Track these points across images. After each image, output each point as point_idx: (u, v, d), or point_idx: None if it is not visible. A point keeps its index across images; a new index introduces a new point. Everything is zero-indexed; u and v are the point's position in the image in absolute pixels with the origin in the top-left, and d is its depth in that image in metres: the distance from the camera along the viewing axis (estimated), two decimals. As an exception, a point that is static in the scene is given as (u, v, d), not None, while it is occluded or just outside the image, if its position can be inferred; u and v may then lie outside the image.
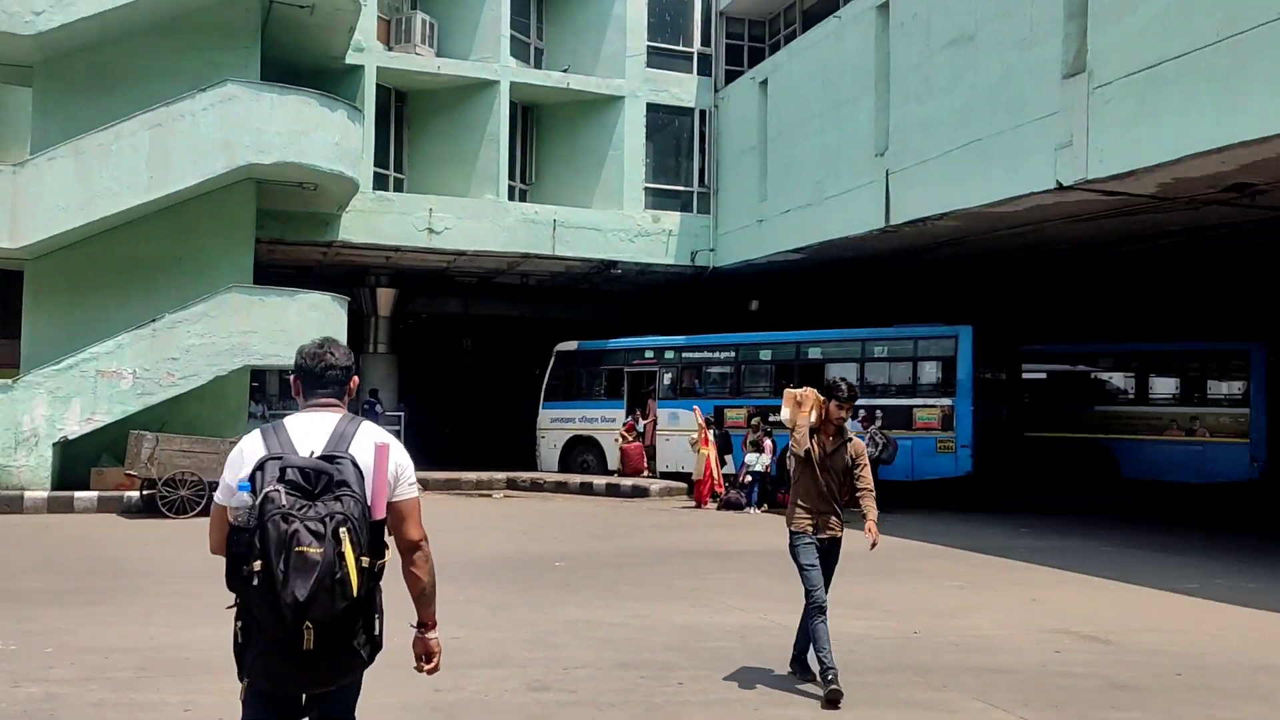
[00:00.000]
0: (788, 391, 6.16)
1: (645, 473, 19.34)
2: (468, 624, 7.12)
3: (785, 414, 6.04)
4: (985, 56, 13.66)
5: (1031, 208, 13.61)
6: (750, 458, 16.48)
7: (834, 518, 5.97)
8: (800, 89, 18.73)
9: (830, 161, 17.56)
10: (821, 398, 5.97)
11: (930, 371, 17.64)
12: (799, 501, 5.96)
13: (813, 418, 5.90)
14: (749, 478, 16.40)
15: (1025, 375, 19.86)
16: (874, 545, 5.92)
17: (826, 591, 5.88)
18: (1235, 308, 20.04)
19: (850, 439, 6.03)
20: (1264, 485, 18.02)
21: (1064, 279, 20.10)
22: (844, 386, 5.95)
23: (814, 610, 5.76)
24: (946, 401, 17.06)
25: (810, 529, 5.90)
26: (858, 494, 6.00)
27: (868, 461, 6.12)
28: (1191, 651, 6.99)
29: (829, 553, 5.99)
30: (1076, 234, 15.78)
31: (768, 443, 16.49)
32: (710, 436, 17.16)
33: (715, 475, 16.89)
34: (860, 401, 17.29)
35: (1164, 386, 19.71)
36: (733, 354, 19.73)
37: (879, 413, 17.03)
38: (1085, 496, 18.32)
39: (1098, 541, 12.79)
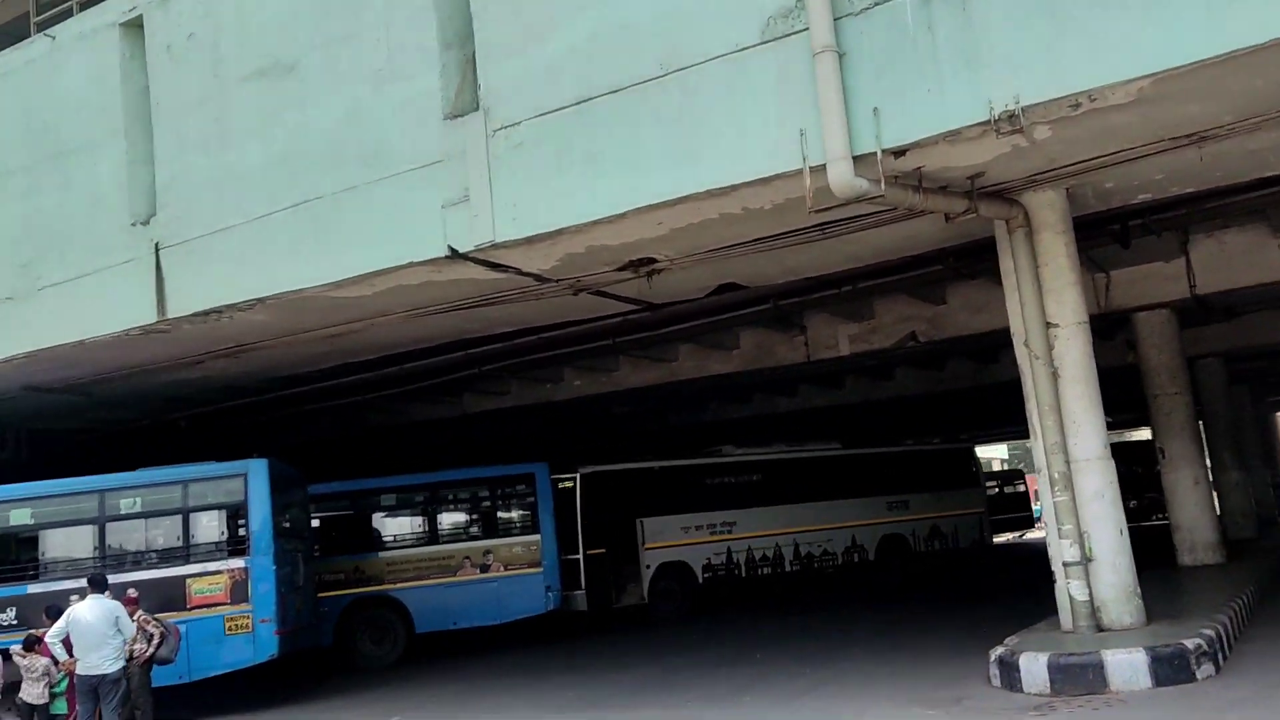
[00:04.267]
0: None
1: None
2: None
3: None
4: (318, 92, 10.33)
5: (389, 289, 10.51)
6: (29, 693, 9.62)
7: None
8: (-15, 134, 12.82)
9: (48, 235, 12.03)
10: None
11: (210, 526, 12.94)
12: None
13: None
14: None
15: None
16: None
17: None
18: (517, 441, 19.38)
19: None
20: (563, 614, 17.06)
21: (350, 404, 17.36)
22: None
23: None
24: (238, 563, 12.56)
25: None
26: None
27: None
28: None
29: None
30: (395, 338, 13.16)
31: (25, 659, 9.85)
32: None
33: None
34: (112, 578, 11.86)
35: (454, 520, 17.82)
36: None
37: (133, 591, 11.65)
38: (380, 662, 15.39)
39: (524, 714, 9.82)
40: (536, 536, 16.92)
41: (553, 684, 11.50)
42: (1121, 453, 29.36)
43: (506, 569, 16.76)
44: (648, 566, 18.35)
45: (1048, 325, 8.73)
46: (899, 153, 7.56)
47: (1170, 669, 7.45)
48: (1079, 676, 7.58)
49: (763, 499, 20.28)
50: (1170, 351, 15.04)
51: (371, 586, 16.31)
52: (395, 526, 17.63)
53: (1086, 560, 8.40)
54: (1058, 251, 8.75)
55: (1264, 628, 9.79)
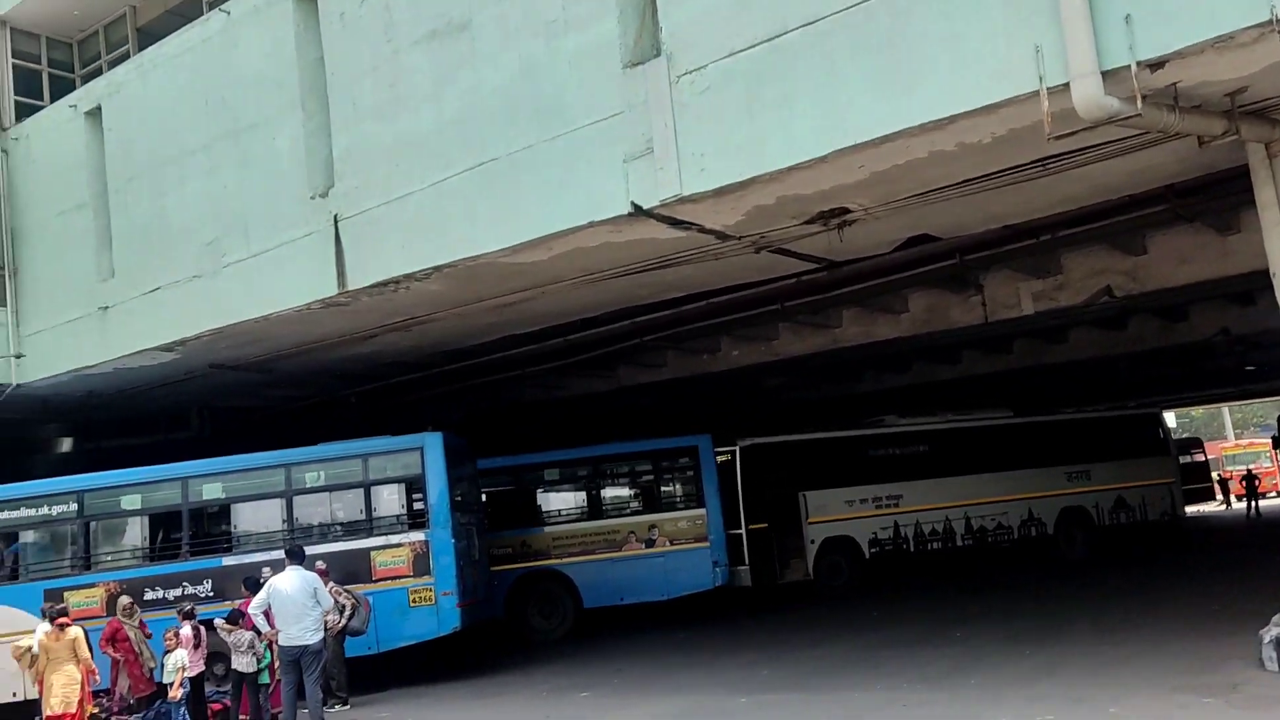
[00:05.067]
0: None
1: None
2: None
3: None
4: (490, 49, 10.02)
5: (565, 253, 10.14)
6: (175, 656, 9.79)
7: None
8: (165, 115, 13.06)
9: (232, 212, 12.20)
10: None
11: (391, 499, 12.98)
12: None
13: None
14: (181, 692, 9.69)
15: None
16: None
17: None
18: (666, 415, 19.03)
19: None
20: (726, 591, 16.58)
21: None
22: None
23: None
24: (418, 536, 12.54)
25: None
26: None
27: None
28: None
29: None
30: (564, 306, 12.85)
31: (186, 630, 10.05)
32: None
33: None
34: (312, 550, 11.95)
35: (618, 494, 17.57)
36: (74, 506, 12.70)
37: (322, 563, 11.65)
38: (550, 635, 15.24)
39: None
40: (701, 510, 16.47)
41: (739, 662, 11.02)
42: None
43: (672, 544, 16.37)
44: (812, 541, 17.69)
45: (1318, 262, 7.65)
46: (1155, 65, 6.65)
47: None
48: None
49: (931, 470, 19.31)
50: None
51: (539, 561, 16.21)
52: (560, 501, 17.47)
53: (1376, 528, 7.34)
54: (1330, 176, 7.66)
55: None
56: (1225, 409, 60.48)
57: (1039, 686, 7.78)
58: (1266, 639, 7.24)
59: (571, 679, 11.26)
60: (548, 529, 16.62)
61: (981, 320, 16.88)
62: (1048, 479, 20.41)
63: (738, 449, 17.29)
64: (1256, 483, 30.72)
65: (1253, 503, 29.55)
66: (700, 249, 10.36)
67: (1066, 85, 6.77)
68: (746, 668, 10.49)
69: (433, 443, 12.77)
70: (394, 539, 12.56)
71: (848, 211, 9.41)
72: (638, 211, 8.99)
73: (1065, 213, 11.34)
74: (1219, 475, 37.83)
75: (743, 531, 16.77)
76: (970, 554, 19.26)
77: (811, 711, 7.93)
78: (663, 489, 17.33)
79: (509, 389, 20.58)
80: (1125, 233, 14.18)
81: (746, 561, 16.67)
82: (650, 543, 16.42)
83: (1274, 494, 36.37)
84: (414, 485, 12.79)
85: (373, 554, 12.48)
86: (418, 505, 12.77)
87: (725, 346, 19.41)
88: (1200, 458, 37.44)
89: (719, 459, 17.07)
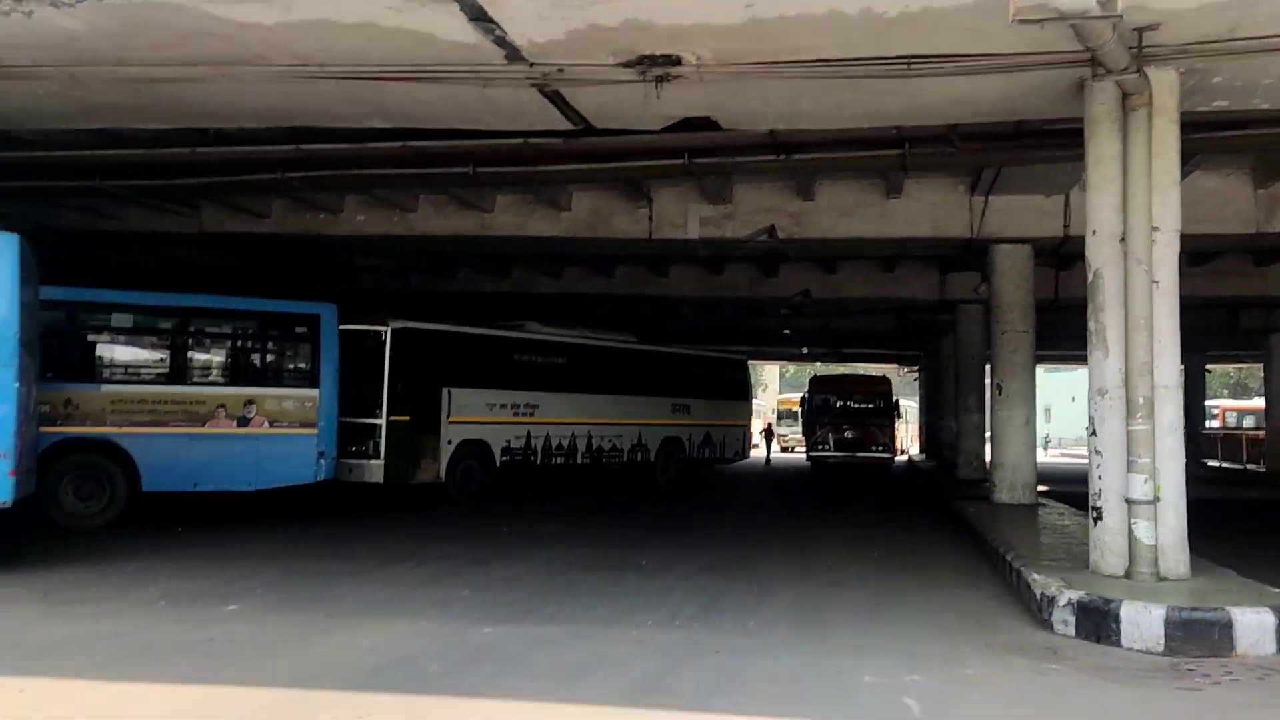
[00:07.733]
0: None
1: None
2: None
3: None
4: None
5: (301, 24, 7.33)
6: None
7: None
8: None
9: None
10: None
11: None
12: None
13: None
14: None
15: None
16: None
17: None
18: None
19: None
20: (335, 485, 14.40)
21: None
22: None
23: None
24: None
25: None
26: None
27: None
28: None
29: None
30: (237, 104, 9.75)
31: None
32: None
33: None
34: None
35: (209, 358, 14.27)
36: None
37: None
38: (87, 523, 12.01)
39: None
40: (314, 391, 14.06)
41: (421, 577, 9.08)
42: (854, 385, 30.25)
43: (272, 426, 13.76)
44: (449, 442, 16.03)
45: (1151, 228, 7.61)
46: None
47: (1293, 633, 6.58)
48: (1204, 635, 6.35)
49: (567, 384, 18.72)
50: (1026, 289, 14.96)
51: (87, 427, 12.63)
52: (128, 355, 13.88)
53: (1156, 499, 7.49)
54: (1169, 144, 7.60)
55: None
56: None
57: (828, 629, 7.02)
58: (1062, 601, 7.05)
59: (183, 583, 8.51)
60: (106, 388, 12.98)
61: (646, 235, 16.31)
62: (660, 408, 20.92)
63: (389, 330, 15.03)
64: (772, 435, 34.66)
65: (768, 450, 33.19)
66: (473, 67, 8.16)
67: (1049, -35, 5.87)
68: (434, 582, 8.63)
69: (5, 246, 8.99)
70: None
71: (679, 63, 7.83)
72: (452, -18, 6.64)
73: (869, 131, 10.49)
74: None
75: (382, 422, 14.63)
76: (586, 472, 18.94)
77: (605, 651, 6.35)
78: (268, 360, 14.53)
79: (40, 207, 16.00)
80: (804, 173, 14.09)
81: (382, 455, 14.60)
82: (244, 421, 13.62)
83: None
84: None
85: None
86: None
87: (351, 208, 16.86)
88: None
89: (367, 339, 14.88)
